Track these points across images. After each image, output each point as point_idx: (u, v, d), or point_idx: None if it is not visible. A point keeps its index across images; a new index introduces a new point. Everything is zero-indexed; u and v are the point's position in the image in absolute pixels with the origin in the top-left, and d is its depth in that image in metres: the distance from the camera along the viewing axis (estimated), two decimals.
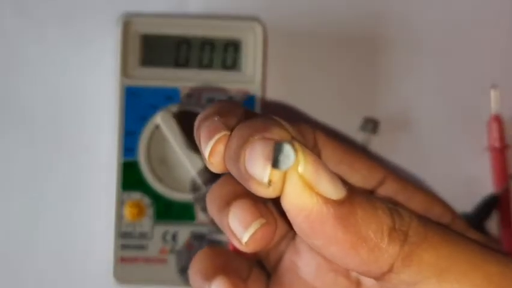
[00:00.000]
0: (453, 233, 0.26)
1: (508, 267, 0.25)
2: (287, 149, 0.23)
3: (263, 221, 0.28)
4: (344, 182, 0.25)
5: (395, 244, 0.24)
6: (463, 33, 0.46)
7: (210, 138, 0.27)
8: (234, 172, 0.26)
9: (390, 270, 0.25)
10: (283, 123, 0.27)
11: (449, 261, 0.25)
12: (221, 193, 0.30)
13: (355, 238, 0.24)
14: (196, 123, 0.29)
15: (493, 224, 0.45)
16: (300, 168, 0.23)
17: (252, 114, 0.29)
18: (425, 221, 0.26)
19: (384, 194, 0.34)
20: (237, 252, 0.32)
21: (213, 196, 0.31)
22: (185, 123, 0.43)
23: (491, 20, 0.46)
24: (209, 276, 0.30)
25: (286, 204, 0.24)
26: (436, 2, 0.46)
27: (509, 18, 0.46)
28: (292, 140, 0.24)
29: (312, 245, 0.25)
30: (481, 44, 0.46)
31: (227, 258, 0.32)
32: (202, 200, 0.42)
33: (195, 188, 0.43)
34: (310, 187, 0.24)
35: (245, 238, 0.28)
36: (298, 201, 0.24)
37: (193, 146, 0.41)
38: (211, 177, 0.42)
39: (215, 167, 0.28)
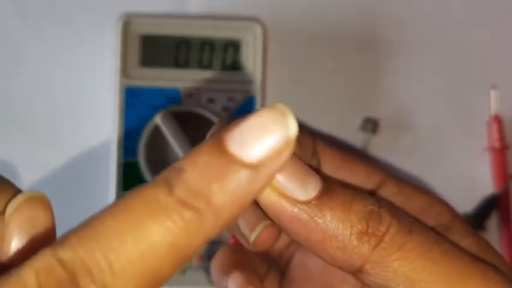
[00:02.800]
0: (443, 244, 0.26)
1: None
2: None
3: (267, 222, 0.30)
4: (329, 180, 0.26)
5: (364, 247, 0.25)
6: (463, 33, 0.46)
7: None
8: None
9: (360, 270, 0.25)
10: None
11: (422, 276, 0.25)
12: None
13: (321, 237, 0.25)
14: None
15: (493, 224, 0.45)
16: None
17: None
18: (411, 228, 0.25)
19: (384, 195, 0.34)
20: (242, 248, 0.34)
21: None
22: (185, 123, 0.43)
23: (491, 20, 0.46)
24: (227, 272, 0.33)
25: (258, 200, 0.25)
26: (436, 2, 0.46)
27: (510, 18, 0.46)
28: None
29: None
30: (481, 44, 0.46)
31: (246, 256, 0.34)
32: None
33: None
34: (275, 188, 0.25)
35: (252, 238, 0.30)
36: (265, 201, 0.25)
37: (193, 146, 0.41)
38: None
39: None
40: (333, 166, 0.33)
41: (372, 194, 0.34)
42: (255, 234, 0.30)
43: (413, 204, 0.33)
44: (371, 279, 0.25)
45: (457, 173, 0.46)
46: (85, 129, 0.45)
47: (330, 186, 0.26)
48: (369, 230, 0.25)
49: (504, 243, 0.45)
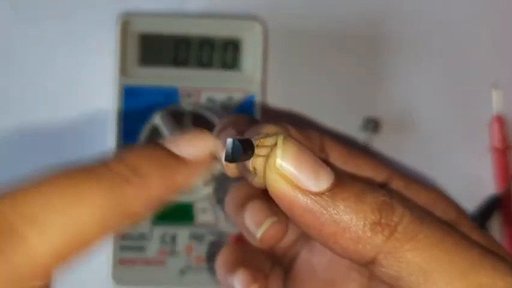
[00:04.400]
0: (453, 235, 0.26)
1: (503, 279, 0.25)
2: (269, 141, 0.25)
3: (274, 219, 0.31)
4: (340, 173, 0.26)
5: (377, 238, 0.25)
6: (464, 33, 0.46)
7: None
8: None
9: (373, 261, 0.25)
10: (288, 126, 0.29)
11: (435, 266, 0.25)
12: (238, 195, 0.33)
13: (334, 228, 0.25)
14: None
15: (495, 224, 0.45)
16: (278, 161, 0.25)
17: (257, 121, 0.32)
18: (422, 220, 0.26)
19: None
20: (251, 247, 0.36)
21: (231, 198, 0.34)
22: (184, 123, 0.43)
23: (493, 20, 0.46)
24: (232, 269, 0.34)
25: (270, 193, 0.26)
26: (437, 2, 0.46)
27: (510, 18, 0.46)
28: (278, 135, 0.26)
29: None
30: (483, 43, 0.46)
31: (250, 254, 0.35)
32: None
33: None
34: (288, 179, 0.25)
35: (258, 234, 0.31)
36: (278, 192, 0.25)
37: None
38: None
39: (232, 173, 0.30)
40: (341, 162, 0.33)
41: (382, 186, 0.34)
42: (261, 231, 0.31)
43: (419, 200, 0.33)
44: (384, 270, 0.25)
45: (459, 173, 0.45)
46: (84, 128, 0.45)
47: (341, 178, 0.26)
48: (382, 221, 0.25)
49: (506, 244, 0.45)
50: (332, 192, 0.25)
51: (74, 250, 0.23)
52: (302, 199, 0.25)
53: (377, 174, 0.34)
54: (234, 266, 0.34)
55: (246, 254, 0.35)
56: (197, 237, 0.43)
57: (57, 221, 0.22)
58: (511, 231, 0.45)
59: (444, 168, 0.45)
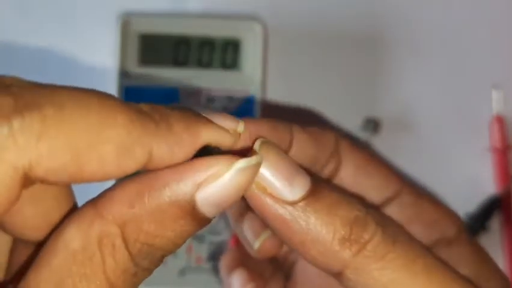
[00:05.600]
0: (426, 258, 0.25)
1: None
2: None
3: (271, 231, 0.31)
4: (318, 181, 0.26)
5: (345, 253, 0.25)
6: (464, 34, 0.46)
7: None
8: None
9: (340, 274, 0.25)
10: (293, 125, 0.29)
11: (402, 287, 0.24)
12: (237, 206, 0.34)
13: (302, 239, 0.25)
14: None
15: (495, 225, 0.45)
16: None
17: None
18: (395, 239, 0.25)
19: (399, 206, 0.34)
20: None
21: (231, 209, 0.34)
22: None
23: (492, 20, 0.46)
24: (231, 269, 0.36)
25: (245, 195, 0.25)
26: (437, 2, 0.46)
27: (510, 18, 0.46)
28: (259, 143, 0.25)
29: None
30: (482, 44, 0.46)
31: (251, 257, 0.35)
32: None
33: None
34: (260, 186, 0.25)
35: (256, 245, 0.32)
36: (253, 197, 0.25)
37: None
38: None
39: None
40: (354, 165, 0.33)
41: (390, 200, 0.34)
42: (258, 243, 0.32)
43: (425, 216, 0.33)
44: (351, 284, 0.25)
45: (459, 173, 0.45)
46: None
47: (318, 187, 0.25)
48: (352, 237, 0.25)
49: (506, 244, 0.45)
50: (306, 202, 0.25)
51: (78, 167, 0.21)
52: (273, 207, 0.25)
53: (388, 186, 0.34)
54: (233, 266, 0.36)
55: (247, 256, 0.35)
56: (197, 237, 0.43)
57: (77, 126, 0.21)
58: (511, 231, 0.45)
59: (445, 168, 0.45)
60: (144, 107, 0.23)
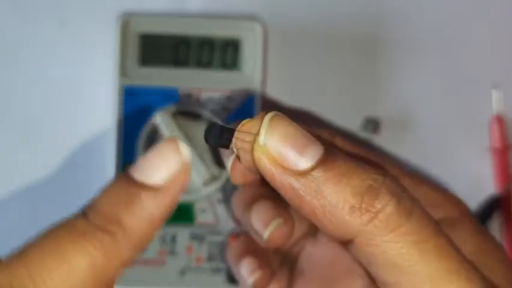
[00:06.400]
0: (439, 238, 0.25)
1: None
2: (254, 123, 0.26)
3: (281, 220, 0.32)
4: (332, 150, 0.26)
5: (355, 221, 0.25)
6: (464, 33, 0.46)
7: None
8: None
9: (351, 242, 0.25)
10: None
11: (408, 265, 0.24)
12: (245, 196, 0.34)
13: (314, 207, 0.25)
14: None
15: (495, 224, 0.45)
16: (262, 139, 0.25)
17: None
18: (410, 213, 0.25)
19: None
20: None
21: (238, 198, 0.35)
22: (184, 123, 0.42)
23: (492, 20, 0.46)
24: (240, 257, 0.36)
25: (257, 167, 0.26)
26: (437, 2, 0.46)
27: (510, 18, 0.46)
28: (262, 116, 0.26)
29: None
30: (483, 44, 0.46)
31: (258, 246, 0.36)
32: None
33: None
34: (271, 157, 0.25)
35: (265, 235, 0.32)
36: (263, 169, 0.26)
37: (192, 145, 0.41)
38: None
39: (236, 180, 0.32)
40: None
41: None
42: (268, 232, 0.32)
43: (427, 200, 0.32)
44: (359, 253, 0.25)
45: (459, 173, 0.45)
46: (83, 129, 0.45)
47: (331, 156, 0.25)
48: (362, 205, 0.25)
49: (506, 244, 0.45)
50: (317, 171, 0.25)
51: None
52: (283, 178, 0.25)
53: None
54: (241, 255, 0.36)
55: (255, 245, 0.36)
56: (197, 238, 0.43)
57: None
58: (511, 231, 0.45)
59: (444, 168, 0.45)
60: (90, 216, 0.25)
